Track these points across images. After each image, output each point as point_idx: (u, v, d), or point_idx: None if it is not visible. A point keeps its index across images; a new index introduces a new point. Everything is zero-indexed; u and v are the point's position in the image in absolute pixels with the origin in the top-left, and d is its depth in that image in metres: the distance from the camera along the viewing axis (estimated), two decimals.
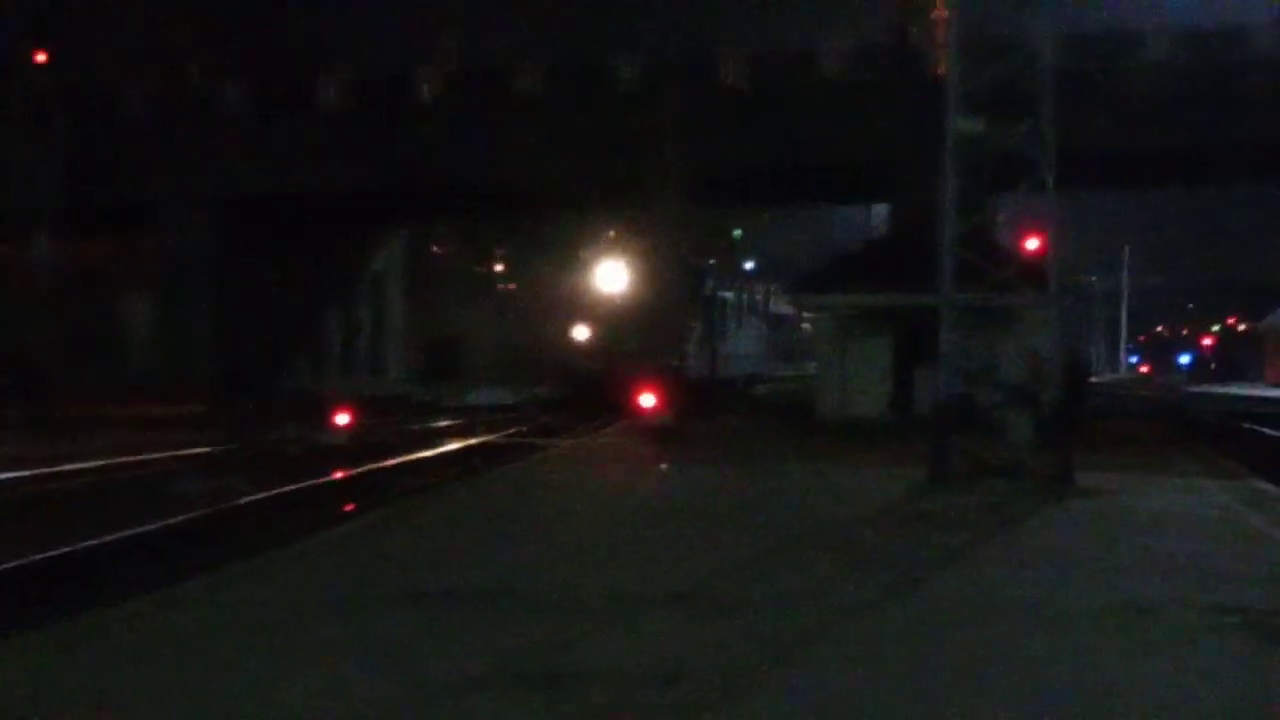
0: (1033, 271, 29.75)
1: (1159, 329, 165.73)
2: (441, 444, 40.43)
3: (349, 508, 25.75)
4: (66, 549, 20.03)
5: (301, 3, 77.86)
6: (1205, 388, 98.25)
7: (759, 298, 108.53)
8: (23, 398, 51.98)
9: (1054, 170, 26.65)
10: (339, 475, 32.08)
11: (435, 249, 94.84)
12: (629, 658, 11.91)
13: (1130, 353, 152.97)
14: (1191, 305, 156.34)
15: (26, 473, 31.32)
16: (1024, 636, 12.84)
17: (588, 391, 51.47)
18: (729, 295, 70.71)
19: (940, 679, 11.30)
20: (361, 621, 13.44)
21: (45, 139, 61.44)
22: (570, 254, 54.15)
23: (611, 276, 53.89)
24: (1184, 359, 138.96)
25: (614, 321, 53.05)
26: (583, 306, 52.96)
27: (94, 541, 20.71)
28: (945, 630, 13.12)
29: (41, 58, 61.95)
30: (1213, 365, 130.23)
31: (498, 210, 71.47)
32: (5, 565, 18.81)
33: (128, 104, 65.66)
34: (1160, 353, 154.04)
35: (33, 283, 61.32)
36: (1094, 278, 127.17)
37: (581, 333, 52.54)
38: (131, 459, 35.33)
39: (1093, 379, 73.82)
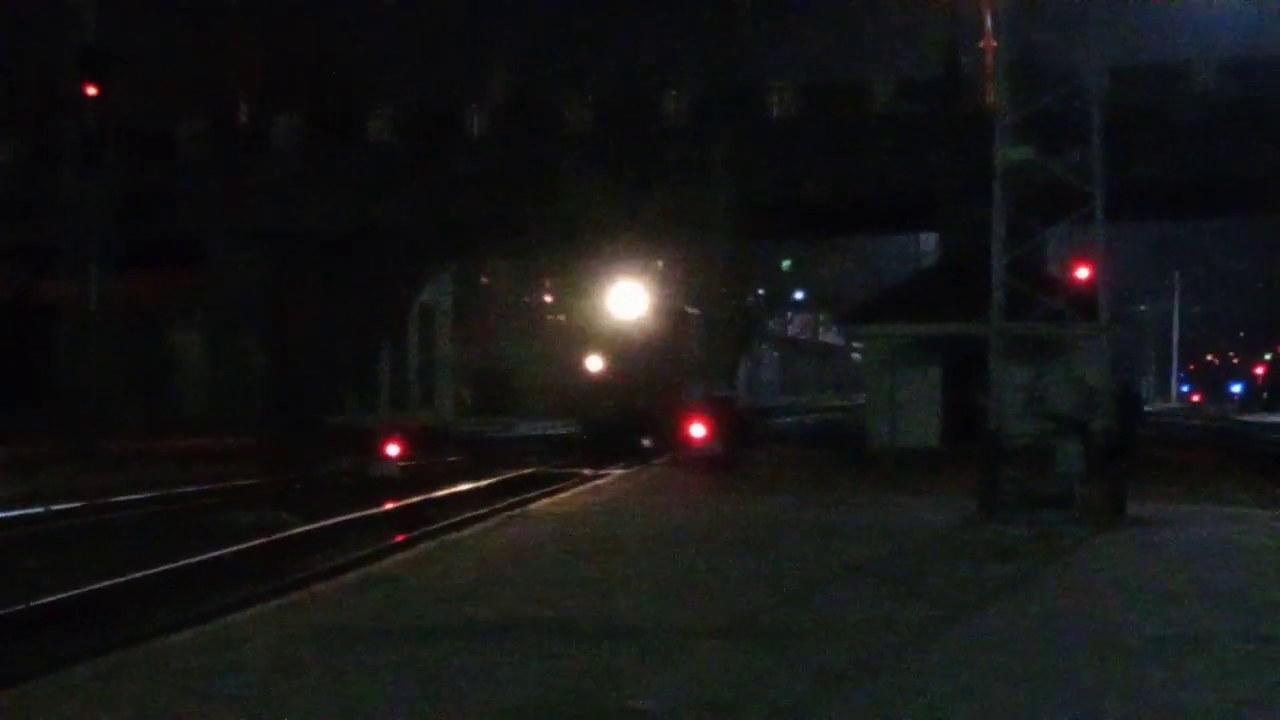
0: (1083, 301, 29.74)
1: (1210, 358, 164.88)
2: (491, 475, 40.48)
3: (400, 538, 25.82)
4: (120, 579, 20.21)
5: (351, 38, 78.15)
6: (1257, 416, 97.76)
7: (771, 324, 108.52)
8: (77, 432, 52.23)
9: (1103, 200, 26.63)
10: (390, 506, 32.21)
11: (484, 281, 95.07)
12: (679, 690, 11.92)
13: (1182, 381, 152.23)
14: (1243, 333, 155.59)
15: (81, 503, 31.53)
16: (1076, 666, 12.82)
17: (637, 422, 51.41)
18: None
19: (992, 710, 11.30)
20: (408, 652, 13.49)
21: (98, 174, 61.80)
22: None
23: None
24: (1236, 387, 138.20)
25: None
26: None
27: (146, 572, 20.89)
28: (997, 661, 13.10)
29: (92, 91, 62.28)
30: (1265, 394, 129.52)
31: (547, 242, 71.71)
32: (72, 592, 19.07)
33: (180, 139, 66.08)
34: (1212, 381, 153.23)
35: (87, 318, 61.59)
36: (1144, 306, 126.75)
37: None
38: (183, 491, 35.54)
39: (1145, 408, 73.54)
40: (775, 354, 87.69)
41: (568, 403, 58.41)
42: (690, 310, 56.95)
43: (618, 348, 52.90)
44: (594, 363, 53.48)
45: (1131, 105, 49.09)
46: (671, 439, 45.88)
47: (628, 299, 53.08)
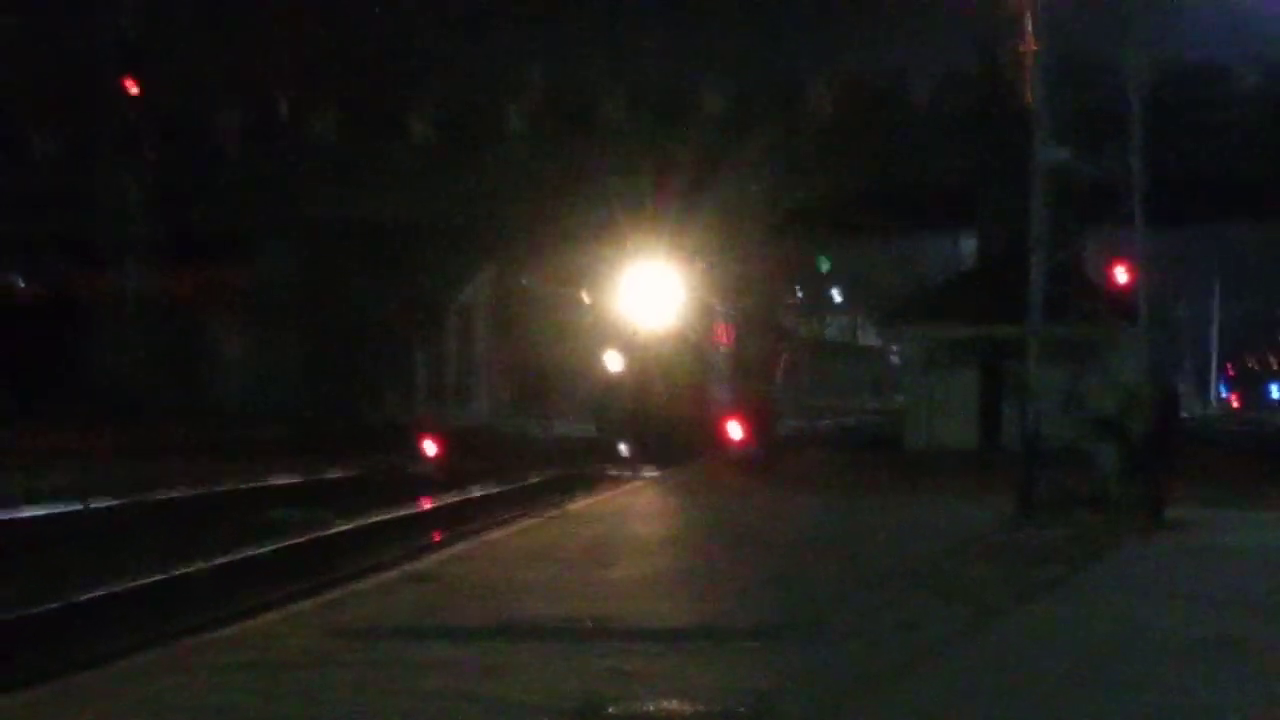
0: (1121, 303, 29.74)
1: (1250, 362, 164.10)
2: (528, 474, 40.46)
3: (437, 537, 25.88)
4: (160, 575, 20.40)
5: (391, 32, 78.24)
6: None
7: (809, 325, 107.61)
8: (115, 425, 52.43)
9: (1143, 201, 26.57)
10: (427, 504, 32.31)
11: (523, 279, 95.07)
12: (717, 690, 11.96)
13: (1221, 384, 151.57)
14: None
15: (119, 499, 31.65)
16: (1112, 669, 12.82)
17: (659, 423, 51.05)
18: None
19: (1028, 710, 11.32)
20: (447, 651, 13.54)
21: (137, 167, 61.99)
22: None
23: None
24: (1275, 391, 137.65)
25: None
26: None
27: (187, 569, 21.10)
28: (1033, 662, 13.12)
29: (133, 86, 62.54)
30: None
31: (584, 240, 71.70)
32: (113, 588, 19.33)
33: (219, 132, 66.23)
34: (1250, 385, 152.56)
35: (125, 311, 61.82)
36: (1183, 308, 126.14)
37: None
38: (221, 487, 35.65)
39: (1183, 411, 73.23)
40: (785, 354, 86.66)
41: (589, 403, 58.04)
42: (719, 307, 56.66)
43: (641, 346, 52.50)
44: (613, 361, 52.85)
45: (1173, 106, 48.90)
46: (699, 440, 45.74)
47: (653, 296, 52.66)
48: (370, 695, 11.68)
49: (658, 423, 48.91)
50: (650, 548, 21.95)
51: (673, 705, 11.37)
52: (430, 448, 43.13)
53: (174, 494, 33.52)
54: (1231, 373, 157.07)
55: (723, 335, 56.13)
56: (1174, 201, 48.18)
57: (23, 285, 72.77)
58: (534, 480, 39.09)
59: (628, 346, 51.44)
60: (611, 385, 51.57)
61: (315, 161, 64.47)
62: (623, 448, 47.28)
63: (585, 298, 76.71)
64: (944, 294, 53.58)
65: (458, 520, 28.84)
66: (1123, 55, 27.99)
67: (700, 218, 55.27)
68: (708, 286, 54.63)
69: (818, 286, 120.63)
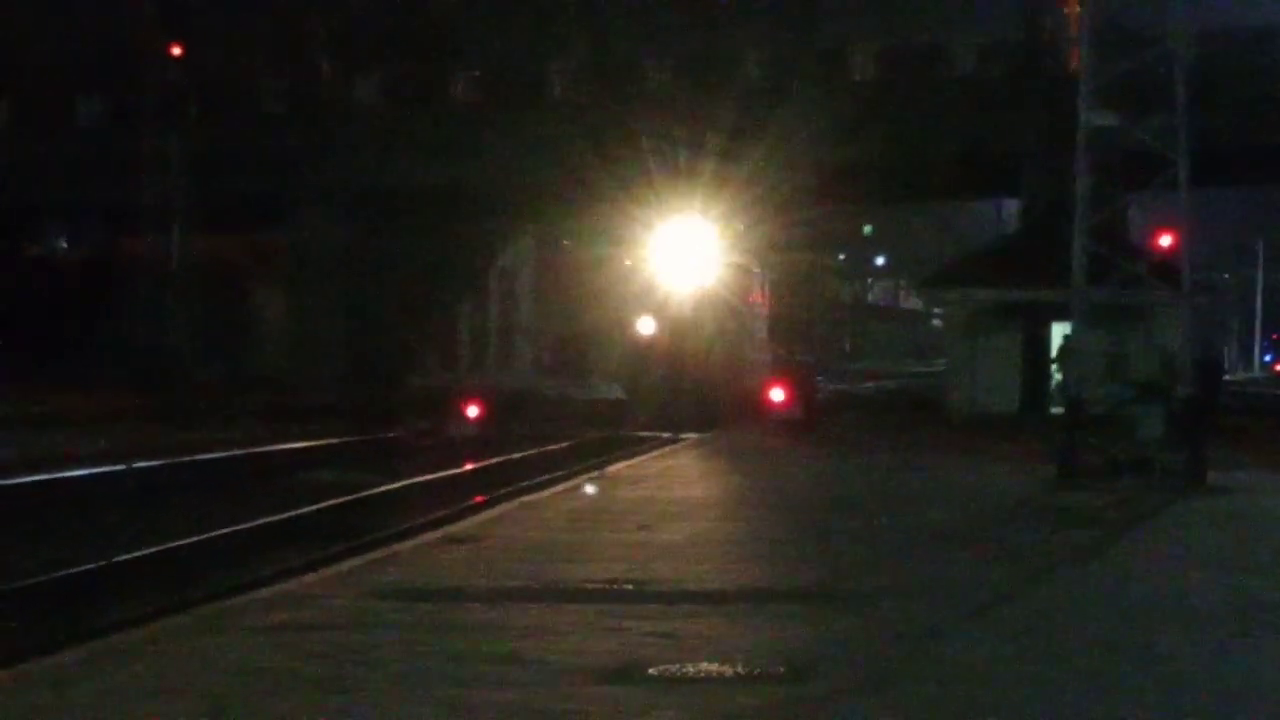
0: (1165, 267, 29.58)
1: None
2: (568, 437, 40.46)
3: (479, 499, 25.88)
4: (202, 536, 20.45)
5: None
6: None
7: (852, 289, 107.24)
8: (158, 389, 52.58)
9: (1187, 166, 26.41)
10: (469, 466, 32.34)
11: (565, 243, 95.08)
12: (760, 652, 11.93)
13: (1265, 350, 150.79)
14: None
15: (162, 461, 31.75)
16: (1154, 633, 12.75)
17: (711, 386, 50.82)
18: None
19: (1070, 674, 11.26)
20: (489, 612, 13.54)
21: (179, 132, 62.08)
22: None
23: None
24: None
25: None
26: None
27: (227, 529, 21.16)
28: (1075, 626, 13.07)
29: (176, 51, 62.58)
30: None
31: (625, 204, 71.59)
32: (155, 548, 19.49)
33: (260, 98, 66.26)
34: None
35: (168, 276, 61.99)
36: (1227, 274, 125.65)
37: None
38: (264, 449, 35.75)
39: (1226, 376, 72.92)
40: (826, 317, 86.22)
41: (620, 367, 57.69)
42: (757, 270, 56.41)
43: (678, 308, 52.18)
44: (647, 324, 52.45)
45: (1218, 70, 48.61)
46: (737, 403, 45.58)
47: (692, 258, 52.32)
48: (410, 657, 11.67)
49: (693, 386, 48.67)
50: (690, 510, 21.92)
51: (713, 667, 11.35)
52: (472, 410, 43.13)
53: (214, 456, 33.60)
54: (1276, 338, 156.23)
55: (761, 298, 55.99)
56: (1220, 166, 48.01)
57: (64, 251, 73.04)
58: (574, 442, 39.08)
59: (665, 309, 51.20)
60: (645, 348, 51.30)
61: (356, 127, 64.48)
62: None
63: (626, 260, 76.55)
64: (987, 258, 53.37)
65: (498, 482, 28.83)
66: (1167, 20, 27.82)
67: (739, 180, 55.15)
68: (746, 249, 54.41)
69: (860, 250, 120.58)
